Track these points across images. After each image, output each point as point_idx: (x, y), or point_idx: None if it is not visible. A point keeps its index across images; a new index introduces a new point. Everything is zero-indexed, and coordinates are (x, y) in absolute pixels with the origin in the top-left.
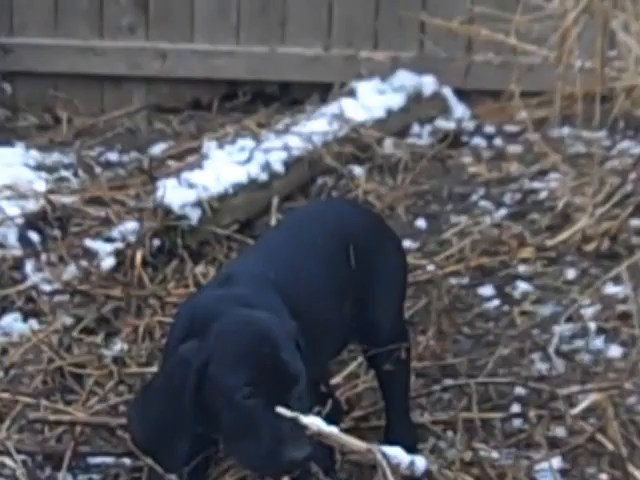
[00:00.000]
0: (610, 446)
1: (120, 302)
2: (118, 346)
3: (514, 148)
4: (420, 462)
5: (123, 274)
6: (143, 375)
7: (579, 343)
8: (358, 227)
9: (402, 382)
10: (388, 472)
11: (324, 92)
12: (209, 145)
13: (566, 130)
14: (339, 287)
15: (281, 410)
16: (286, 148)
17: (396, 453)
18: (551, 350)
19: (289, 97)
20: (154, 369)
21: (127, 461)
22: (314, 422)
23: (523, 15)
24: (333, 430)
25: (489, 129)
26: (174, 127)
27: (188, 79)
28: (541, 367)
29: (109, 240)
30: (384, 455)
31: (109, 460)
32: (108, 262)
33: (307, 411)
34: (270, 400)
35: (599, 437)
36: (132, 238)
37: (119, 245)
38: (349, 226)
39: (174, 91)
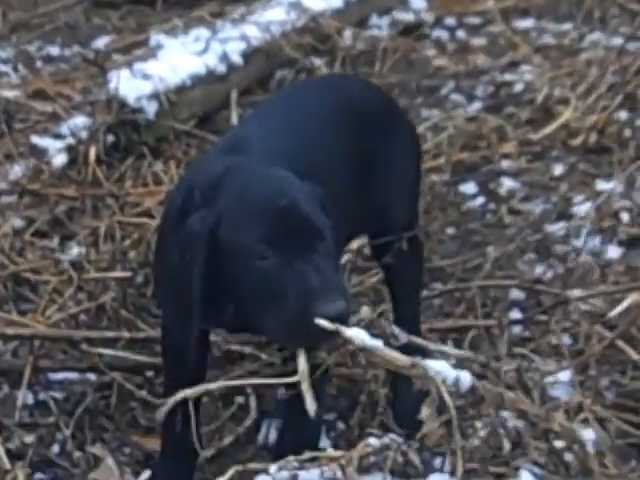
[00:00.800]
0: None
1: (74, 202)
2: (75, 250)
3: (478, 40)
4: (465, 378)
5: (76, 172)
6: (104, 280)
7: (575, 243)
8: (372, 103)
9: (412, 282)
10: (443, 388)
11: None
12: (158, 37)
13: (530, 22)
14: (351, 164)
15: (320, 321)
16: (244, 38)
17: (441, 368)
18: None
19: None
20: (117, 274)
21: (92, 377)
22: (358, 335)
23: None
24: (378, 344)
25: (450, 21)
26: (114, 23)
27: None
28: (538, 270)
29: (58, 137)
30: (428, 369)
31: (72, 376)
32: (59, 159)
33: (335, 273)
34: (291, 258)
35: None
36: (84, 134)
37: (70, 141)
38: (362, 101)
39: None
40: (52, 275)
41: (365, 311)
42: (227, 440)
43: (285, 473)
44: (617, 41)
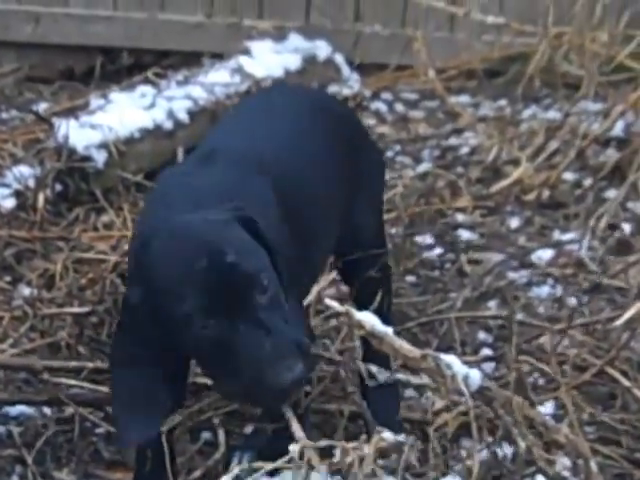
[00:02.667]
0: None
1: (24, 245)
2: (26, 290)
3: (417, 113)
4: (475, 376)
5: (26, 216)
6: (60, 316)
7: (537, 291)
8: (344, 115)
9: (383, 296)
10: (459, 380)
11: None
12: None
13: (466, 98)
14: (325, 182)
15: (330, 302)
16: (189, 97)
17: (452, 362)
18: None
19: (168, 67)
20: (74, 309)
21: (49, 412)
22: (369, 319)
23: None
24: (388, 331)
25: (386, 96)
26: (46, 98)
27: (62, 46)
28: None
29: (4, 185)
30: (439, 363)
31: (29, 410)
32: (8, 203)
33: (284, 329)
34: (233, 320)
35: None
36: (30, 182)
37: (17, 187)
38: (336, 111)
39: (46, 58)
40: (4, 312)
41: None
42: (197, 473)
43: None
44: (552, 114)
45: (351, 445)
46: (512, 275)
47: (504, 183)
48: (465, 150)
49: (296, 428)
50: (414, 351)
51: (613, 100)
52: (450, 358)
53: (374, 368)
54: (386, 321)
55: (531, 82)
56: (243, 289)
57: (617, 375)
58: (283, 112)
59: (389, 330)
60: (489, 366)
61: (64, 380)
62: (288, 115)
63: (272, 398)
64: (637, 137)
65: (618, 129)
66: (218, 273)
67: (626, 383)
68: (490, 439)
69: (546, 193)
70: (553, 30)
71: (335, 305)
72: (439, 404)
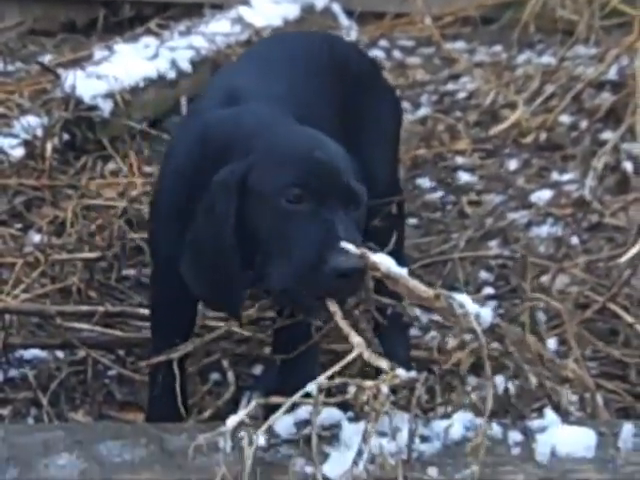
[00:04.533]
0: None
1: (34, 193)
2: (37, 237)
3: (414, 60)
4: (486, 314)
5: (34, 164)
6: (71, 262)
7: (537, 230)
8: (356, 57)
9: (397, 240)
10: (472, 319)
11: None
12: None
13: (462, 44)
14: (339, 115)
15: (346, 245)
16: (191, 47)
17: (464, 301)
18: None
19: (170, 19)
20: (84, 255)
21: (61, 355)
22: (384, 261)
23: None
24: (403, 272)
25: (384, 43)
26: (49, 50)
27: None
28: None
29: (12, 135)
30: (452, 302)
31: (42, 354)
32: (17, 153)
33: (358, 236)
34: (321, 208)
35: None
36: (38, 132)
37: (26, 137)
38: (347, 54)
39: (48, 12)
40: (16, 258)
41: None
42: (207, 413)
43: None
44: (547, 59)
45: (367, 383)
46: (512, 215)
47: (502, 126)
48: (462, 95)
49: (343, 325)
50: (428, 291)
51: (607, 44)
52: (462, 297)
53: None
54: (400, 262)
55: (526, 28)
56: (345, 195)
57: (619, 311)
58: (294, 54)
59: (404, 271)
60: (491, 304)
61: (76, 324)
62: (299, 57)
63: (324, 281)
64: (631, 80)
65: (612, 73)
66: (330, 170)
67: (628, 319)
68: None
69: (543, 135)
70: None
71: (351, 248)
72: (451, 342)
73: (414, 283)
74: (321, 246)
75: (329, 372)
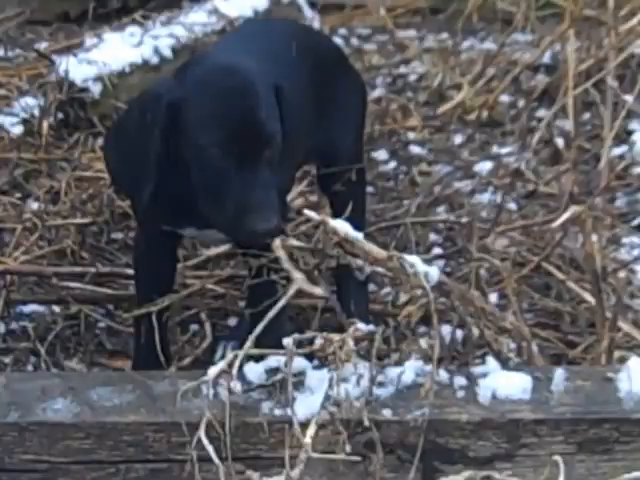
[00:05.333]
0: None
1: (31, 165)
2: (35, 205)
3: (370, 46)
4: (434, 273)
5: (30, 144)
6: (65, 227)
7: (479, 197)
8: (327, 42)
9: (357, 206)
10: (422, 277)
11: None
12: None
13: (412, 32)
14: (311, 93)
15: (308, 212)
16: (172, 36)
17: (414, 261)
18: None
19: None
20: (76, 220)
21: (57, 309)
22: (342, 227)
23: None
24: (359, 236)
25: (343, 32)
26: (45, 38)
27: None
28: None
29: (12, 114)
30: (403, 262)
31: (40, 308)
32: (16, 130)
33: (275, 181)
34: (240, 163)
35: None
36: (36, 111)
37: (24, 116)
38: (319, 39)
39: (44, 3)
40: (16, 224)
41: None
42: (187, 360)
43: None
44: (488, 45)
45: (334, 336)
46: (458, 184)
47: (448, 105)
48: (413, 77)
49: (286, 263)
50: (382, 253)
51: (542, 32)
52: (412, 258)
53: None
54: (357, 228)
55: (469, 18)
56: (258, 143)
57: (552, 269)
58: (273, 36)
59: (360, 235)
60: (439, 263)
61: (70, 283)
62: (277, 39)
63: (248, 240)
64: (563, 64)
65: (547, 57)
66: (248, 122)
67: (560, 276)
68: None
69: (485, 113)
70: None
71: (312, 214)
72: (403, 298)
73: (369, 246)
74: (239, 208)
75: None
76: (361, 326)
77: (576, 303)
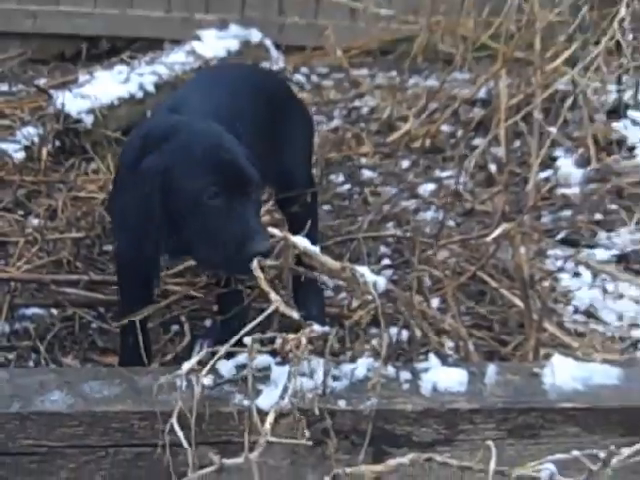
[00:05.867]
0: (492, 282)
1: (32, 187)
2: (35, 221)
3: (328, 82)
4: (381, 282)
5: (33, 165)
6: (62, 239)
7: (423, 215)
8: (276, 83)
9: (312, 224)
10: (370, 286)
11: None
12: (88, 73)
13: (364, 70)
14: (266, 132)
15: (272, 230)
16: (155, 73)
17: (364, 272)
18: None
19: (138, 51)
20: (72, 235)
21: (55, 312)
22: (301, 242)
23: None
24: (316, 250)
25: (304, 70)
26: (44, 75)
27: (55, 35)
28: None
29: (15, 142)
30: (355, 273)
31: (40, 311)
32: (19, 156)
33: (260, 218)
34: (233, 200)
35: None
36: (36, 139)
37: (26, 144)
38: (266, 82)
39: (43, 45)
40: (19, 237)
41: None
42: (168, 357)
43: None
44: (431, 82)
45: (290, 335)
46: (404, 203)
47: (396, 134)
48: (366, 110)
49: (265, 286)
50: (336, 264)
51: (478, 71)
52: (362, 269)
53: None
54: (314, 242)
55: (415, 58)
56: (247, 186)
57: (487, 278)
58: (227, 81)
59: (316, 249)
60: (388, 273)
61: (66, 289)
62: (231, 83)
63: (249, 261)
64: (496, 99)
65: (482, 93)
66: (234, 168)
67: (493, 284)
68: (393, 328)
69: (428, 141)
70: (431, 19)
71: (275, 231)
72: (355, 303)
73: (325, 258)
74: (240, 235)
75: (253, 324)
76: (316, 327)
77: (507, 307)
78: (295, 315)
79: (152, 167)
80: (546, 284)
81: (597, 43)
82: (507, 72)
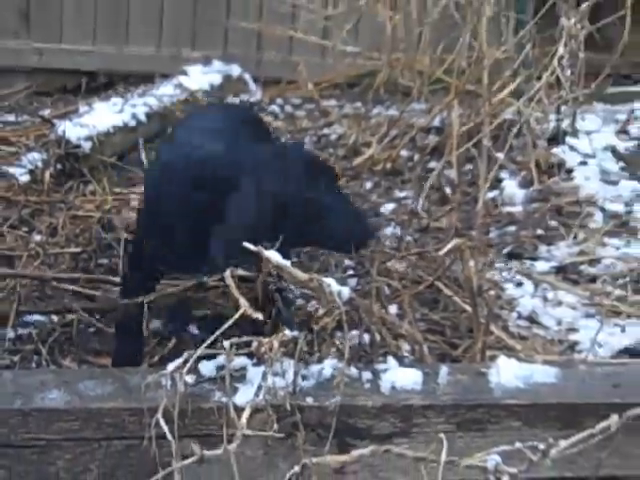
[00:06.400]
0: (447, 291)
1: (35, 206)
2: (38, 237)
3: (300, 112)
4: (345, 291)
5: (34, 189)
6: (62, 254)
7: (385, 231)
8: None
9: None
10: (335, 295)
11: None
12: (89, 102)
13: (333, 102)
14: None
15: (247, 244)
16: (146, 104)
17: (330, 282)
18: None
19: (131, 84)
20: (71, 250)
21: (55, 318)
22: (273, 256)
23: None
24: (287, 263)
25: (279, 101)
26: (48, 106)
27: (58, 70)
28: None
29: (21, 166)
30: (322, 283)
31: (42, 318)
32: (24, 178)
33: None
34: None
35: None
36: (39, 164)
37: (30, 168)
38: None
39: (48, 79)
40: (23, 251)
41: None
42: (156, 358)
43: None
44: (392, 112)
45: (264, 339)
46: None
47: (361, 159)
48: (334, 137)
49: (236, 293)
50: (304, 276)
51: (433, 102)
52: (328, 280)
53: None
54: (285, 256)
55: (377, 90)
56: None
57: (441, 287)
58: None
59: (287, 262)
60: (352, 282)
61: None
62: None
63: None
64: (449, 127)
65: (437, 121)
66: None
67: (448, 292)
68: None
69: (389, 165)
70: (392, 55)
71: (250, 246)
72: (321, 310)
73: (295, 271)
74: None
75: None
76: (287, 332)
77: (458, 313)
78: (261, 317)
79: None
80: (493, 293)
81: (539, 78)
82: (459, 103)
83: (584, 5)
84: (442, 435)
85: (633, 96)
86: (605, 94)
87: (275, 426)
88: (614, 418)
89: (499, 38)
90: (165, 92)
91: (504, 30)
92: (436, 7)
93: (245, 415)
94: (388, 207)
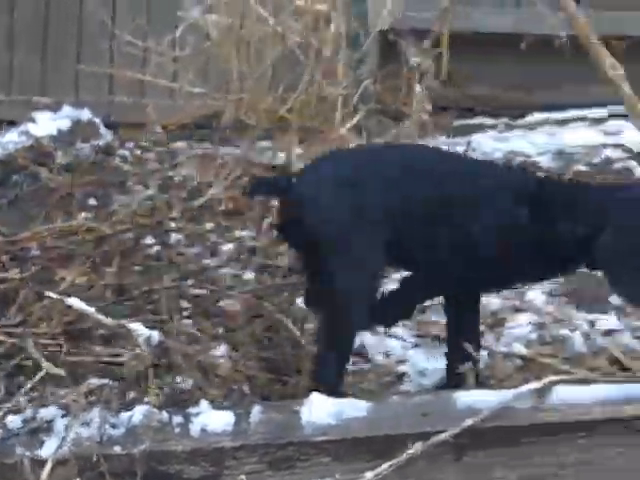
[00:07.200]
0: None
1: None
2: None
3: (149, 155)
4: (155, 335)
5: None
6: None
7: (224, 271)
8: None
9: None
10: (141, 340)
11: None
12: None
13: (182, 143)
14: None
15: (50, 293)
16: None
17: (137, 328)
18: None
19: None
20: None
21: None
22: (77, 304)
23: None
24: (92, 310)
25: (129, 144)
26: None
27: None
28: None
29: None
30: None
31: None
32: None
33: None
34: None
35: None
36: None
37: None
38: None
39: None
40: None
41: None
42: None
43: None
44: (237, 151)
45: (68, 389)
46: (205, 261)
47: (202, 200)
48: (179, 178)
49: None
50: (111, 322)
51: (275, 140)
52: (135, 325)
53: None
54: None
55: (224, 131)
56: None
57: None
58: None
59: (92, 309)
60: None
61: None
62: None
63: None
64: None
65: (281, 159)
66: None
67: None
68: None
69: (230, 205)
70: (236, 96)
71: (52, 294)
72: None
73: (101, 317)
74: None
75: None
76: (94, 380)
77: (288, 351)
78: (61, 373)
79: None
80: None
81: (381, 112)
82: (299, 141)
83: (426, 42)
84: (243, 477)
85: (473, 129)
86: (450, 127)
87: (77, 479)
88: (417, 446)
89: (339, 75)
90: (10, 139)
91: (345, 67)
92: (278, 47)
93: (46, 469)
94: (229, 246)
